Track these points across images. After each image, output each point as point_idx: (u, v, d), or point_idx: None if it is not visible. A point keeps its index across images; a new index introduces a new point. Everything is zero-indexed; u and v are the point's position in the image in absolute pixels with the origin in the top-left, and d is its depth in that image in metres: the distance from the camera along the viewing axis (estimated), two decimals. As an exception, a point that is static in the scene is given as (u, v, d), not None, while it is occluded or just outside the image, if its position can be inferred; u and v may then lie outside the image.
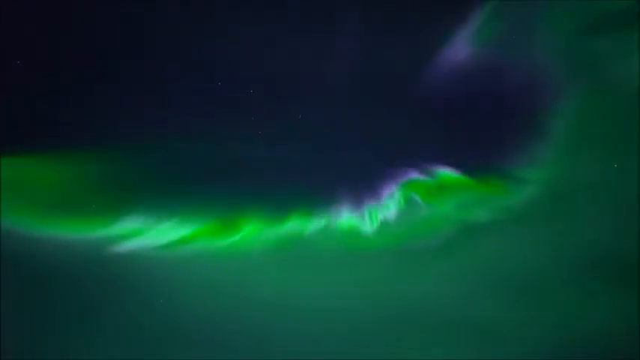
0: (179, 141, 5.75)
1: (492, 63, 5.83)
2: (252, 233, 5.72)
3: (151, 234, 5.60)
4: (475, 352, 5.48)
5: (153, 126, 5.72)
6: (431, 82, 5.83)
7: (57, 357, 5.36)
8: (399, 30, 5.87)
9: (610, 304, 5.50)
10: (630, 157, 5.62)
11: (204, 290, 5.59)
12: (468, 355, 5.48)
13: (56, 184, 5.58)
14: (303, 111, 5.87)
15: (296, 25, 5.87)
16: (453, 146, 5.89)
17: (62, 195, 5.57)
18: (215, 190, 5.77)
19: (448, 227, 5.74)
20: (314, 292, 5.64)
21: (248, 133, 5.85)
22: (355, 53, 5.84)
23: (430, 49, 5.82)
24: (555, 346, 5.44)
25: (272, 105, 5.89)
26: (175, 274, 5.59)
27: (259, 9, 5.84)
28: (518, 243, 5.66)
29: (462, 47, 5.81)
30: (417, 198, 5.82)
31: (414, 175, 5.88)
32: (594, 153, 5.72)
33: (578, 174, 5.71)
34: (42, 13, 5.68)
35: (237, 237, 5.70)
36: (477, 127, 5.89)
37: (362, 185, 5.84)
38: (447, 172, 5.84)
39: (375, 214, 5.78)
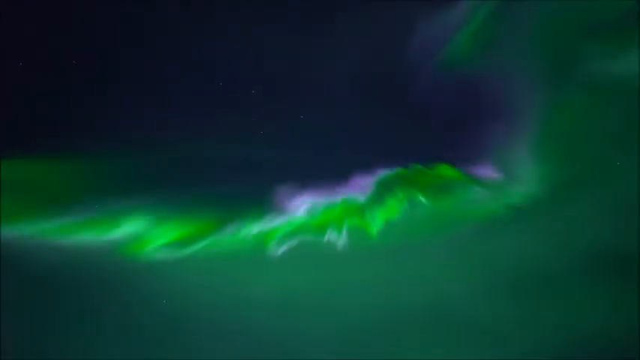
0: (179, 141, 5.75)
1: (491, 63, 5.83)
2: (253, 233, 5.73)
3: (151, 234, 5.61)
4: (475, 352, 5.49)
5: (153, 126, 5.72)
6: (428, 82, 5.84)
7: (57, 357, 5.36)
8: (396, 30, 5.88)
9: (610, 303, 5.50)
10: (630, 156, 5.62)
11: (204, 290, 5.60)
12: (468, 355, 5.48)
13: (56, 185, 5.59)
14: (303, 111, 5.88)
15: (296, 25, 5.87)
16: (452, 145, 5.89)
17: (62, 196, 5.57)
18: (215, 190, 5.77)
19: (448, 226, 5.74)
20: (314, 292, 5.65)
21: (249, 133, 5.86)
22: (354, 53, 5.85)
23: (428, 48, 5.82)
24: (555, 346, 5.45)
25: (272, 105, 5.89)
26: (176, 275, 5.60)
27: (259, 9, 5.83)
28: (518, 243, 5.66)
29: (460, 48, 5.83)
30: (418, 196, 5.82)
31: (414, 175, 5.89)
32: (594, 152, 5.72)
33: (578, 174, 5.71)
34: (42, 13, 5.68)
35: (237, 237, 5.70)
36: (475, 127, 5.89)
37: (360, 184, 5.85)
38: (446, 170, 5.84)
39: (375, 213, 5.79)
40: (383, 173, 5.87)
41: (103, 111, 5.69)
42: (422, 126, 5.92)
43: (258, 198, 5.74)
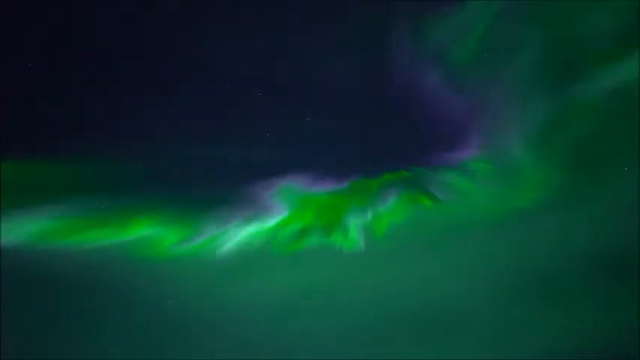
0: (180, 142, 5.75)
1: (493, 67, 5.84)
2: (253, 233, 5.73)
3: (154, 236, 5.61)
4: (476, 352, 5.49)
5: (153, 127, 5.72)
6: (431, 84, 5.85)
7: (58, 357, 5.36)
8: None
9: (610, 304, 5.51)
10: (631, 158, 5.62)
11: (209, 291, 5.60)
12: (470, 355, 5.49)
13: (56, 185, 5.59)
14: (306, 112, 5.88)
15: (296, 25, 5.87)
16: (455, 148, 5.90)
17: (62, 197, 5.58)
18: (215, 191, 5.77)
19: (450, 228, 5.75)
20: (318, 292, 5.66)
21: (251, 135, 5.86)
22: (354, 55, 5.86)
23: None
24: (555, 346, 5.45)
25: (275, 106, 5.89)
26: (176, 275, 5.60)
27: (259, 9, 5.83)
28: (519, 244, 5.67)
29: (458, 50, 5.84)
30: (421, 199, 5.84)
31: (413, 175, 5.89)
32: (595, 154, 5.73)
33: (579, 175, 5.72)
34: (42, 13, 5.68)
35: (237, 237, 5.71)
36: (478, 130, 5.90)
37: (363, 186, 5.86)
38: (448, 173, 5.85)
39: (378, 215, 5.80)
40: (386, 175, 5.88)
41: (103, 111, 5.69)
42: (425, 128, 5.93)
43: (261, 199, 5.75)
